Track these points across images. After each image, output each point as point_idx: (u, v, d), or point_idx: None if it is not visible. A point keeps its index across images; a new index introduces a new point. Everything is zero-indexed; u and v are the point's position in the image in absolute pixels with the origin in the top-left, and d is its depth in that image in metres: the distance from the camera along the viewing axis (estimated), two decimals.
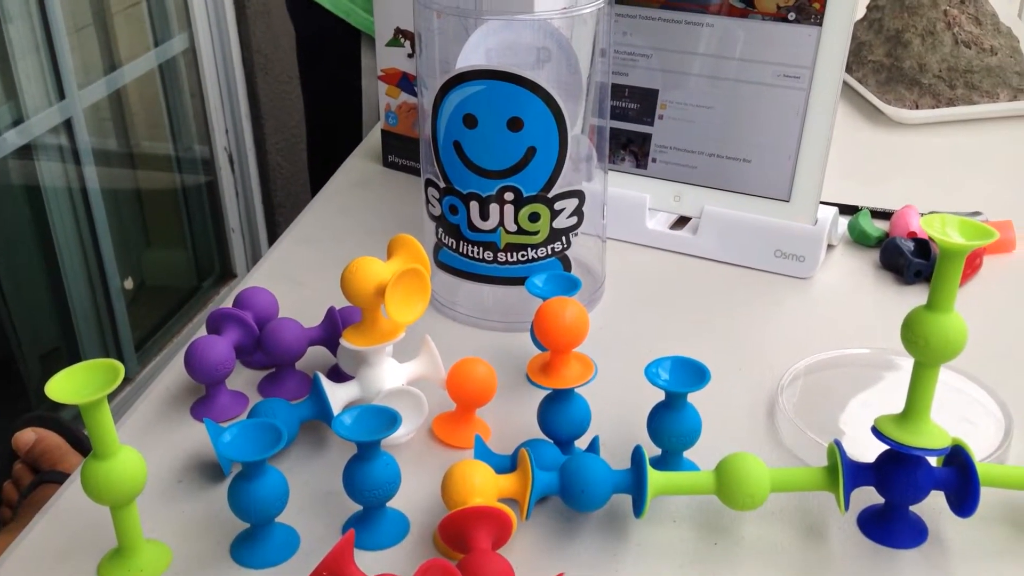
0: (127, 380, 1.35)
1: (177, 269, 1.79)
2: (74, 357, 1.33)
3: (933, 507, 0.60)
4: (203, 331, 0.73)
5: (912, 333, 0.55)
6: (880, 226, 0.91)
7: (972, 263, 0.84)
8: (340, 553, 0.50)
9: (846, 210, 0.93)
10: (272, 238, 1.59)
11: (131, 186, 1.63)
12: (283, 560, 0.58)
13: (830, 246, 0.88)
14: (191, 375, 0.68)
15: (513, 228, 0.74)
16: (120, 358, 1.41)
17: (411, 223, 0.88)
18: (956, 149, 1.11)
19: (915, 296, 0.83)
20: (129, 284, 1.67)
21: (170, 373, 0.74)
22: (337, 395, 0.65)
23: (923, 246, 0.85)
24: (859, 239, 0.90)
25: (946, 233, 0.52)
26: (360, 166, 1.09)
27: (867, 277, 0.86)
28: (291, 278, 0.87)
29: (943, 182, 1.03)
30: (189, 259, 1.78)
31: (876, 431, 0.57)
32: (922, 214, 0.91)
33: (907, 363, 0.72)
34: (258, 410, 0.64)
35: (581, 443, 0.65)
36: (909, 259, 0.83)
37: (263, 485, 0.56)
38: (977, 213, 0.91)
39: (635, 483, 0.58)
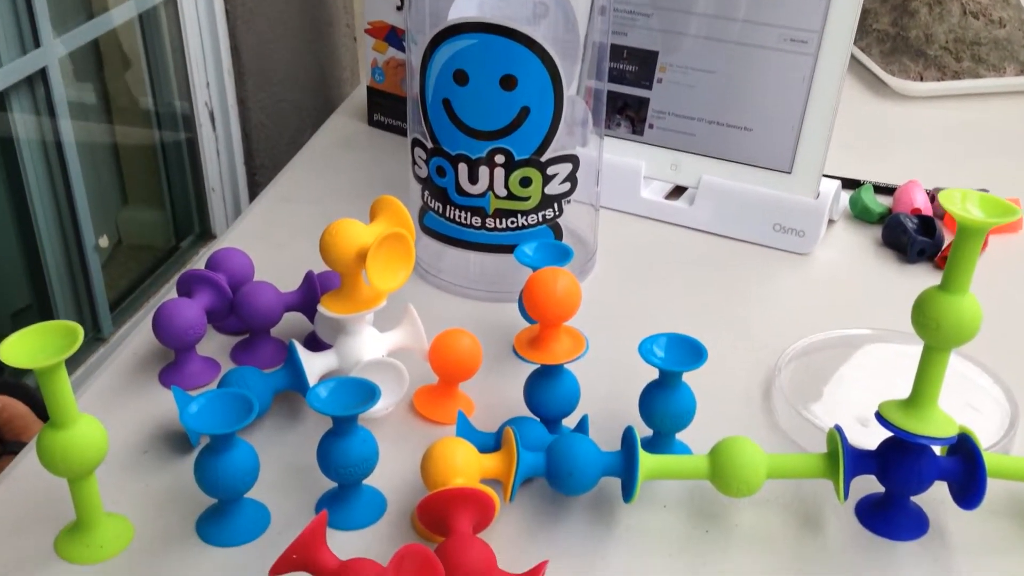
0: (101, 340, 1.31)
1: (155, 228, 1.74)
2: (46, 315, 1.29)
3: (935, 498, 0.58)
4: (174, 293, 0.69)
5: (924, 315, 0.52)
6: (883, 202, 0.88)
7: None
8: (311, 536, 0.47)
9: (847, 184, 0.90)
10: (254, 198, 1.56)
11: (108, 141, 1.58)
12: (252, 538, 0.55)
13: (831, 221, 0.85)
14: (159, 339, 0.64)
15: (503, 193, 0.70)
16: (94, 318, 1.37)
17: (396, 185, 0.84)
18: (962, 124, 1.08)
19: (918, 275, 0.80)
20: (104, 242, 1.63)
21: (139, 336, 0.71)
22: (313, 365, 0.62)
23: (927, 224, 0.82)
24: (861, 215, 0.87)
25: (966, 209, 0.49)
26: (344, 125, 1.05)
27: (868, 254, 0.83)
28: (269, 239, 0.83)
29: (948, 157, 1.00)
30: (167, 218, 1.74)
31: (880, 418, 0.55)
32: (927, 190, 0.88)
33: (910, 345, 0.69)
34: (229, 378, 0.60)
35: (569, 421, 0.62)
36: (913, 237, 0.80)
37: (232, 459, 0.53)
38: (983, 190, 0.88)
39: (625, 466, 0.55)
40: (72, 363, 1.17)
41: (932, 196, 0.87)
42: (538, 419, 0.60)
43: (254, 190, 1.91)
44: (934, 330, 0.51)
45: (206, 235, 1.94)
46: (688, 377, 0.58)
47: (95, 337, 1.40)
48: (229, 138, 1.83)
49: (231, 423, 0.52)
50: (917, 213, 0.84)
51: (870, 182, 0.90)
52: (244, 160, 1.85)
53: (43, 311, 1.44)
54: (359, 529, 0.56)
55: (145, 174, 1.73)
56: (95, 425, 0.51)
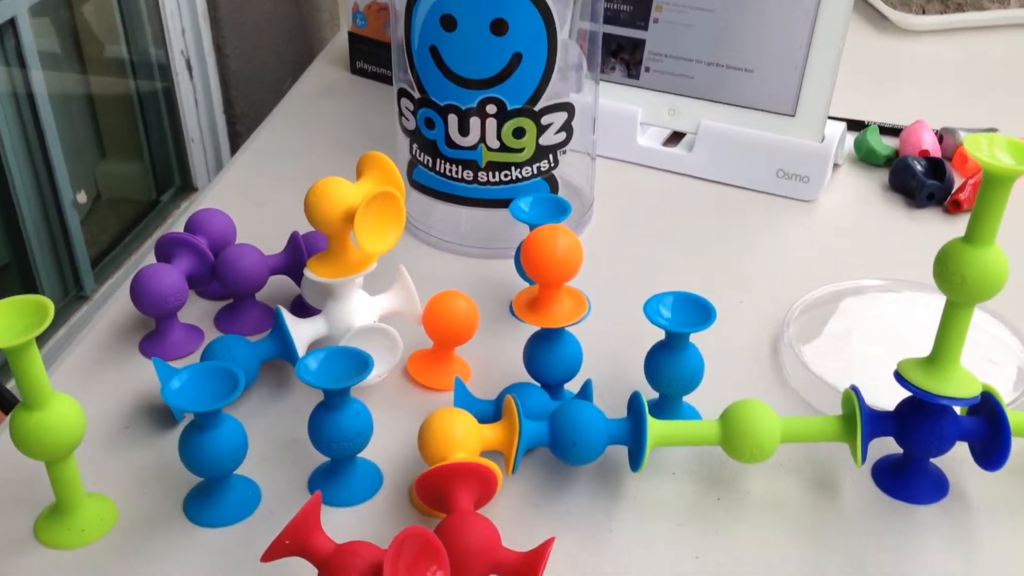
0: (83, 298, 1.28)
1: (134, 182, 1.70)
2: (26, 274, 1.26)
3: (954, 458, 0.55)
4: (152, 258, 0.66)
5: (947, 269, 0.49)
6: (889, 143, 0.84)
7: None
8: (304, 520, 0.44)
9: (852, 126, 0.86)
10: (235, 149, 1.52)
11: (82, 92, 1.53)
12: (242, 518, 0.52)
13: (835, 165, 0.82)
14: (138, 308, 0.61)
15: (496, 145, 0.67)
16: (75, 275, 1.34)
17: (382, 137, 0.81)
18: (966, 59, 1.04)
19: (928, 221, 0.77)
20: (83, 197, 1.59)
21: (118, 302, 0.67)
22: (301, 332, 0.59)
23: (937, 166, 0.79)
24: (866, 158, 0.83)
25: (994, 155, 0.46)
26: (325, 72, 1.01)
27: (875, 199, 0.80)
28: (250, 197, 0.79)
29: (955, 96, 0.97)
30: (147, 171, 1.69)
31: (900, 377, 0.52)
32: (935, 131, 0.84)
33: (924, 296, 0.67)
34: (213, 349, 0.57)
35: (571, 386, 0.59)
36: (922, 180, 0.77)
37: (218, 436, 0.50)
38: (993, 130, 0.85)
39: (633, 434, 0.52)
40: (54, 323, 1.14)
41: (940, 136, 0.84)
42: (539, 384, 0.58)
43: (235, 140, 1.87)
44: (959, 285, 0.49)
45: (187, 188, 1.90)
46: (693, 335, 0.55)
47: (77, 295, 1.37)
48: (207, 86, 1.78)
49: (216, 399, 0.49)
50: (925, 155, 0.81)
51: (875, 123, 0.86)
52: (223, 109, 1.80)
53: (22, 270, 1.41)
54: (355, 505, 0.53)
55: (122, 126, 1.69)
56: (71, 404, 0.48)
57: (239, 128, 1.80)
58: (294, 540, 0.44)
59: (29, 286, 1.22)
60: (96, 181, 1.66)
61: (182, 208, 1.73)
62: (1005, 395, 0.58)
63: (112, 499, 0.53)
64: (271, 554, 0.44)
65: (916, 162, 0.79)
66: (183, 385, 0.50)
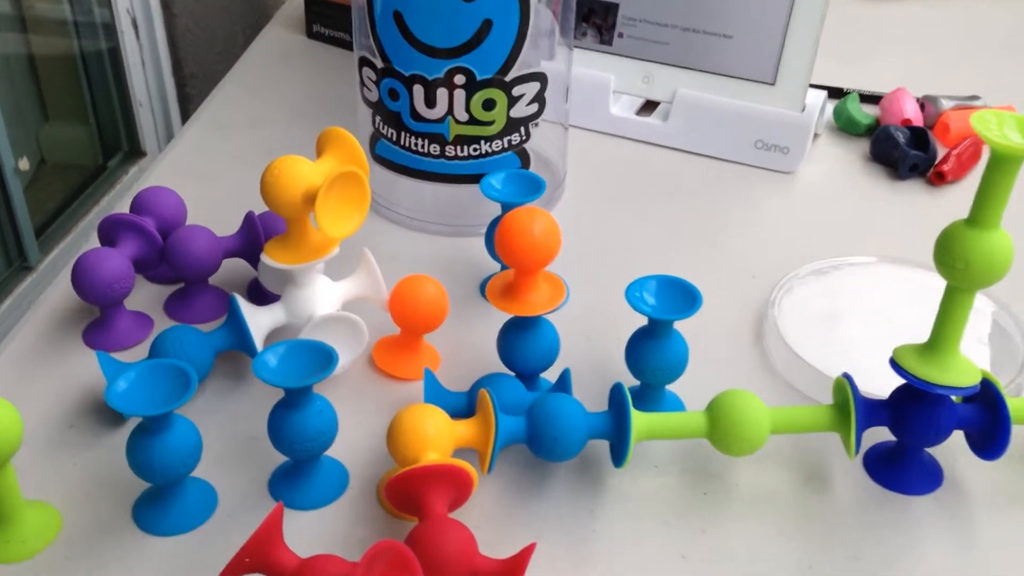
0: (28, 269, 1.23)
1: (80, 146, 1.64)
2: None
3: (949, 447, 0.53)
4: (95, 241, 0.61)
5: (949, 254, 0.46)
6: (869, 112, 0.81)
7: (972, 154, 0.76)
8: (266, 535, 0.40)
9: (831, 94, 0.83)
10: (185, 113, 1.47)
11: (22, 52, 1.46)
12: (196, 525, 0.48)
13: (815, 135, 0.79)
14: (81, 296, 0.57)
15: (464, 117, 0.63)
16: (19, 245, 1.28)
17: (343, 107, 0.77)
18: (950, 24, 1.01)
19: (911, 193, 0.74)
20: (25, 164, 1.52)
21: (60, 288, 0.63)
22: (259, 321, 0.55)
23: (920, 136, 0.76)
24: (846, 127, 0.80)
25: (1004, 134, 0.43)
26: (280, 36, 0.96)
27: (857, 171, 0.77)
28: (201, 173, 0.75)
29: (937, 62, 0.94)
30: (93, 135, 1.62)
31: (896, 365, 0.49)
32: (917, 99, 0.81)
33: (911, 273, 0.64)
34: (163, 341, 0.53)
35: (547, 374, 0.56)
36: (905, 151, 0.74)
37: (168, 440, 0.46)
38: (975, 97, 0.82)
39: (616, 428, 0.49)
40: None
41: (922, 105, 0.81)
42: (514, 374, 0.54)
43: (184, 103, 1.81)
44: (961, 271, 0.46)
45: (135, 153, 1.84)
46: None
47: (21, 266, 1.32)
48: (155, 47, 1.72)
49: (166, 401, 0.45)
50: (908, 124, 0.78)
51: (855, 91, 0.83)
52: (172, 71, 1.74)
53: None
54: (320, 508, 0.50)
55: (66, 89, 1.62)
56: (5, 409, 0.44)
57: (189, 91, 1.74)
58: (255, 557, 0.41)
59: None
60: (40, 145, 1.59)
61: (130, 174, 1.68)
62: (1001, 378, 0.56)
63: (55, 506, 0.49)
64: (230, 573, 0.41)
65: (898, 132, 0.76)
66: (130, 385, 0.45)
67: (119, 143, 1.77)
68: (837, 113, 0.81)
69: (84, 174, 1.69)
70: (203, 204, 0.68)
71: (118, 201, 0.67)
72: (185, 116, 1.68)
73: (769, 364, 0.59)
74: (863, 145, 0.79)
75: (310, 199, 0.51)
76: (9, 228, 1.45)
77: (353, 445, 0.53)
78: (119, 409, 0.44)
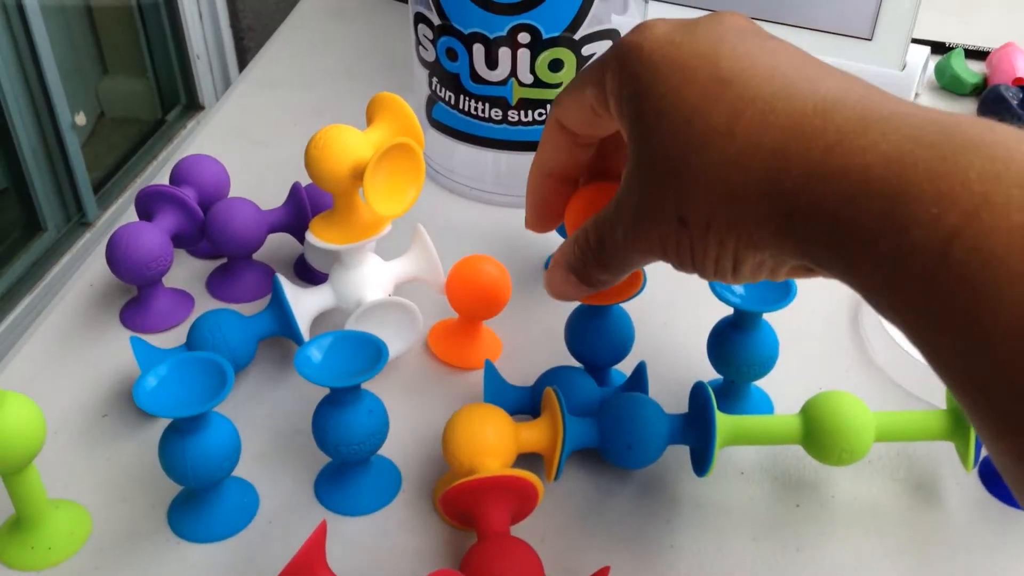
0: (86, 225, 1.21)
1: (137, 100, 1.60)
2: (25, 199, 1.19)
3: None
4: (165, 177, 0.57)
5: None
6: (976, 69, 0.74)
7: None
8: (305, 560, 0.36)
9: (933, 49, 0.76)
10: (243, 66, 1.43)
11: (78, 3, 1.42)
12: (236, 531, 0.44)
13: (915, 95, 0.72)
14: (116, 274, 0.52)
15: (528, 79, 0.57)
16: (77, 201, 1.26)
17: (399, 68, 0.71)
18: None
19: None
20: (82, 119, 1.48)
21: (97, 262, 0.59)
22: (305, 305, 0.50)
23: None
24: (949, 86, 0.73)
25: None
26: None
27: None
28: (248, 136, 0.70)
29: None
30: (151, 88, 1.59)
31: None
32: None
33: None
34: (201, 328, 0.49)
35: (621, 367, 0.51)
36: (1019, 113, 0.67)
37: (203, 441, 0.42)
38: None
39: (699, 432, 0.44)
40: (57, 251, 1.07)
41: None
42: (582, 367, 0.49)
43: (242, 55, 1.78)
44: None
45: (193, 106, 1.82)
46: None
47: (80, 222, 1.30)
48: None
49: (200, 399, 0.41)
50: (1020, 84, 0.70)
51: (960, 45, 0.76)
52: (229, 22, 1.71)
53: (20, 195, 1.34)
54: (369, 514, 0.45)
55: (123, 41, 1.60)
56: (27, 409, 0.40)
57: (247, 44, 1.70)
58: None
59: (29, 212, 1.14)
60: (99, 99, 1.57)
61: (188, 128, 1.65)
62: None
63: (85, 507, 0.45)
64: None
65: (1010, 92, 0.68)
66: (160, 382, 0.41)
67: (177, 97, 1.74)
68: (939, 71, 0.73)
69: (143, 128, 1.67)
70: (249, 172, 0.63)
71: (176, 155, 0.63)
72: (243, 69, 1.64)
73: (869, 358, 0.53)
74: (970, 107, 0.72)
75: (358, 174, 0.46)
76: (67, 183, 1.43)
77: (407, 443, 0.48)
78: (147, 409, 0.40)
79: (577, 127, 0.38)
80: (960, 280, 0.24)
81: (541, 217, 0.42)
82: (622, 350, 0.49)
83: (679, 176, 0.30)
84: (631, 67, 0.33)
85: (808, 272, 0.32)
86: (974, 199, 0.24)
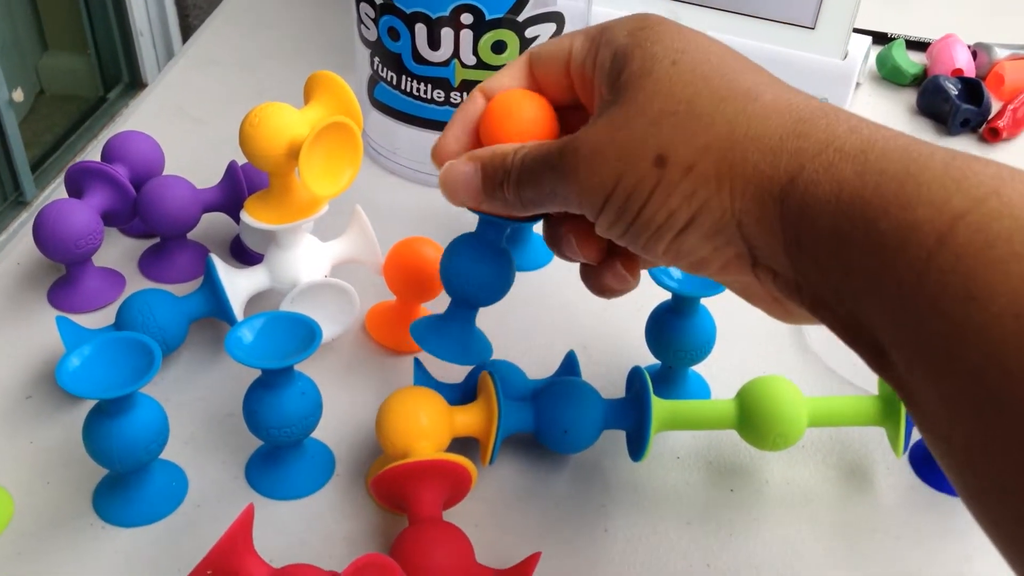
0: (23, 204, 1.18)
1: (78, 78, 1.57)
2: None
3: None
4: (63, 191, 0.55)
5: None
6: (916, 60, 0.75)
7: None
8: (231, 544, 0.35)
9: (875, 39, 0.76)
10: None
11: None
12: (162, 516, 0.43)
13: (856, 84, 0.72)
14: (43, 253, 0.51)
15: (471, 61, 0.57)
16: (14, 179, 1.23)
17: (340, 47, 0.70)
18: None
19: (963, 150, 0.67)
20: (19, 96, 1.45)
21: (26, 238, 0.57)
22: (238, 285, 0.49)
23: (972, 88, 0.69)
24: (890, 76, 0.74)
25: None
26: None
27: (902, 125, 0.70)
28: (186, 114, 0.69)
29: (991, 6, 0.87)
30: (92, 66, 1.56)
31: None
32: (969, 46, 0.74)
33: None
34: (130, 308, 0.48)
35: (550, 357, 0.50)
36: (956, 104, 0.68)
37: (128, 423, 0.41)
38: None
39: (634, 417, 0.44)
40: None
41: (974, 53, 0.74)
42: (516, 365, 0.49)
43: (187, 33, 1.75)
44: None
45: (136, 84, 1.79)
46: None
47: (17, 200, 1.27)
48: None
49: (125, 381, 0.40)
50: (959, 75, 0.71)
51: (901, 36, 0.76)
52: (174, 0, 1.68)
53: None
54: (302, 498, 0.44)
55: (66, 17, 1.56)
56: None
57: (192, 21, 1.67)
58: (219, 569, 0.35)
59: None
60: (38, 75, 1.54)
61: (130, 107, 1.62)
62: None
63: (7, 490, 0.44)
64: None
65: (948, 83, 0.69)
66: (84, 362, 0.40)
67: (120, 74, 1.71)
68: (881, 61, 0.74)
69: (83, 106, 1.64)
70: (185, 150, 0.62)
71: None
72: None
73: (806, 344, 0.54)
74: (909, 97, 0.72)
75: (294, 153, 0.45)
76: (3, 161, 1.40)
77: (342, 426, 0.47)
78: (69, 390, 0.39)
79: (542, 75, 0.38)
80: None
81: (460, 132, 0.41)
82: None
83: (676, 116, 0.31)
84: (654, 24, 0.33)
85: (738, 269, 0.32)
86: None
